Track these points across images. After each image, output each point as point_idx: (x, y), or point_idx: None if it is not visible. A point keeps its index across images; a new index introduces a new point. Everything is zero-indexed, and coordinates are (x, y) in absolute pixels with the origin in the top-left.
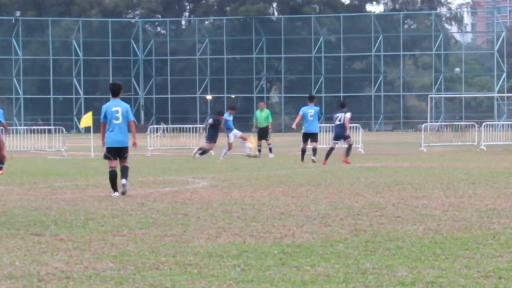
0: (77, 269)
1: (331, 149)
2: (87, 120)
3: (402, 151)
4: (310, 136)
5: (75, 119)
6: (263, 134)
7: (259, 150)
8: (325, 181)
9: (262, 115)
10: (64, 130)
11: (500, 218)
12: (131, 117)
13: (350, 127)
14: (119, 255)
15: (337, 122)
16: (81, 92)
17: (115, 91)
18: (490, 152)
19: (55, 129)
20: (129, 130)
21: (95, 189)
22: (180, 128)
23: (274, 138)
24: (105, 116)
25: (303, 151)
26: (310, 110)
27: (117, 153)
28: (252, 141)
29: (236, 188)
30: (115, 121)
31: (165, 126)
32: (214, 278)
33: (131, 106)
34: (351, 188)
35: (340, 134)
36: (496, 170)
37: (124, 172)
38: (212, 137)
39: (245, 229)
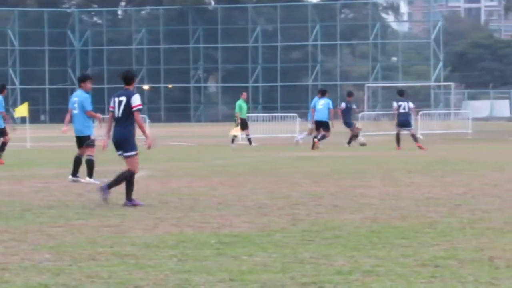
0: (14, 260)
1: (398, 134)
2: (22, 110)
3: (340, 140)
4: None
5: (11, 109)
6: (246, 124)
7: (233, 140)
8: (263, 170)
9: (246, 106)
10: None
11: (437, 207)
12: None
13: (287, 116)
14: (56, 246)
15: (401, 110)
16: (17, 83)
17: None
18: (427, 141)
19: None
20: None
21: (31, 180)
22: None
23: (211, 128)
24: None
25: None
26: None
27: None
28: (237, 130)
29: (174, 178)
30: (73, 111)
31: (103, 116)
32: (151, 269)
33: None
34: (289, 177)
35: (406, 121)
36: (433, 159)
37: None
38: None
39: (182, 220)
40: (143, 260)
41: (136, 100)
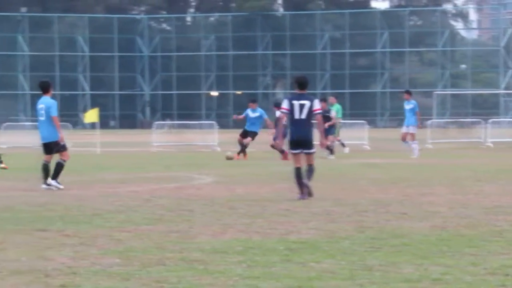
0: (83, 264)
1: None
2: (92, 115)
3: (407, 148)
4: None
5: (81, 115)
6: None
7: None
8: (330, 177)
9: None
10: (70, 126)
11: (506, 215)
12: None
13: (355, 124)
14: (125, 251)
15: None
16: (87, 88)
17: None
18: (497, 149)
19: (61, 125)
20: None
21: (101, 185)
22: (185, 124)
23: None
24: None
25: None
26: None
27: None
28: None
29: (241, 184)
30: (40, 118)
31: (170, 122)
32: (220, 274)
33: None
34: (356, 184)
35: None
36: (502, 167)
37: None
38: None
39: (250, 226)
40: (212, 266)
41: (317, 104)
